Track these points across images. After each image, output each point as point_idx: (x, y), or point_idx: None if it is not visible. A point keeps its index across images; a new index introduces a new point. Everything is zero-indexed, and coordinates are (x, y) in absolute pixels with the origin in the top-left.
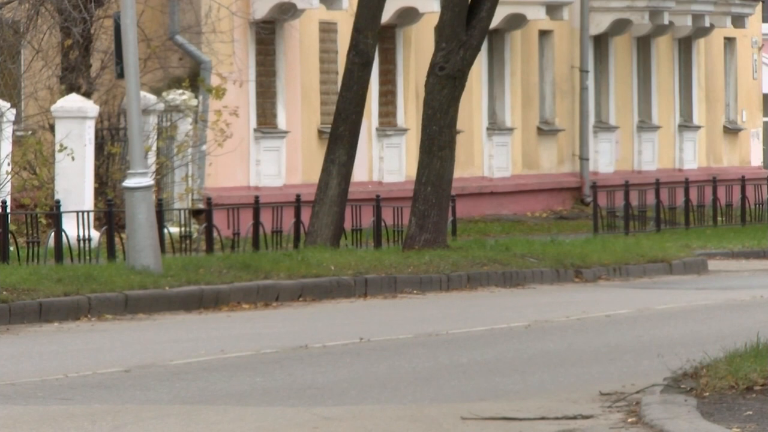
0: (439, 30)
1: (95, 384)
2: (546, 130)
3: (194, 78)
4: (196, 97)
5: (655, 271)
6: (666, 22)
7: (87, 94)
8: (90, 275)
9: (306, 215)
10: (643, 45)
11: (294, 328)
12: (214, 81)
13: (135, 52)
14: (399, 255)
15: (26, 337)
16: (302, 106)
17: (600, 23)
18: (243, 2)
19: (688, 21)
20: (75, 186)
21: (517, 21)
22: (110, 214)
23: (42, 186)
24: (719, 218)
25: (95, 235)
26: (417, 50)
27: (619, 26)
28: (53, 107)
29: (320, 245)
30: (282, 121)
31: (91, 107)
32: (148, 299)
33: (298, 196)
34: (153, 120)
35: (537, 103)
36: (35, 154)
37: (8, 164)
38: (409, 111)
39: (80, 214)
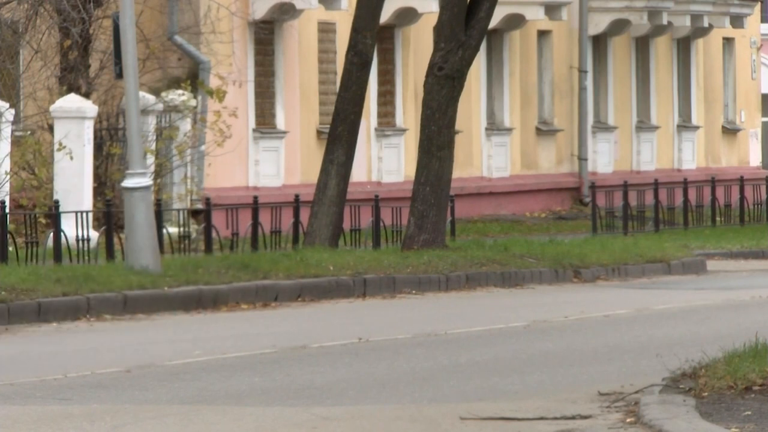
0: (438, 30)
1: (94, 384)
2: (545, 131)
3: (193, 78)
4: (195, 97)
5: (653, 272)
6: (665, 22)
7: (86, 95)
8: (89, 275)
9: (305, 215)
10: (642, 45)
11: (293, 328)
12: (213, 81)
13: (134, 52)
14: (398, 255)
15: (25, 337)
16: (301, 106)
17: (599, 23)
18: (242, 2)
19: (687, 21)
20: (74, 186)
21: (515, 21)
22: (109, 214)
23: (41, 186)
24: (718, 218)
25: (94, 235)
26: (416, 50)
27: (618, 26)
28: (52, 107)
29: (319, 245)
30: (281, 122)
31: (89, 107)
32: (146, 299)
33: (296, 196)
34: (152, 120)
35: (536, 104)
36: (34, 155)
37: (8, 164)
38: (408, 111)
39: (79, 214)
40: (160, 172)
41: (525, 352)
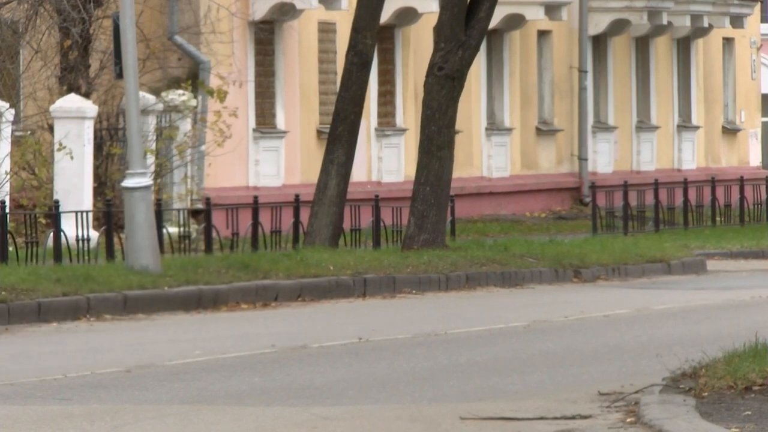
0: (438, 30)
1: (94, 384)
2: (545, 131)
3: (193, 78)
4: (195, 97)
5: (653, 272)
6: (665, 22)
7: (86, 95)
8: (89, 275)
9: (305, 215)
10: (642, 45)
11: (293, 328)
12: (213, 81)
13: (134, 52)
14: (398, 255)
15: (25, 337)
16: (301, 106)
17: (599, 23)
18: (242, 2)
19: (687, 21)
20: (74, 186)
21: (515, 21)
22: (109, 214)
23: (41, 186)
24: (718, 218)
25: (94, 235)
26: (416, 50)
27: (618, 26)
28: (52, 107)
29: (319, 245)
30: (281, 122)
31: (90, 107)
32: (146, 299)
33: (297, 196)
34: (152, 120)
35: (536, 104)
36: (34, 155)
37: (8, 164)
38: (408, 111)
39: (79, 214)
40: (160, 172)
41: (525, 352)
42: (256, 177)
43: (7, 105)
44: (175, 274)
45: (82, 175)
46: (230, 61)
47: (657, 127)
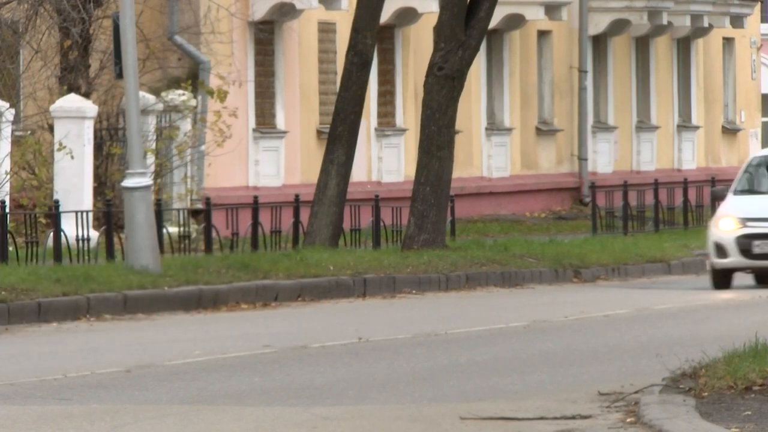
0: (438, 30)
1: (94, 384)
2: (545, 131)
3: (193, 78)
4: (195, 97)
5: (653, 271)
6: (665, 22)
7: (86, 94)
8: (89, 275)
9: (305, 215)
10: (642, 45)
11: (293, 328)
12: (213, 81)
13: (134, 52)
14: (398, 255)
15: (25, 337)
16: (301, 106)
17: (599, 23)
18: (242, 3)
19: (687, 21)
20: (74, 186)
21: (515, 21)
22: (109, 214)
23: (41, 186)
24: None
25: (94, 235)
26: (416, 50)
27: (618, 26)
28: (52, 107)
29: (319, 245)
30: (281, 122)
31: (90, 107)
32: (146, 299)
33: (296, 196)
34: (152, 120)
35: (536, 104)
36: (34, 154)
37: (8, 164)
38: (408, 111)
39: (79, 214)
40: (160, 172)
41: (525, 352)
42: (256, 177)
43: (7, 105)
44: (175, 274)
45: (82, 175)
46: (230, 61)
47: (657, 127)
